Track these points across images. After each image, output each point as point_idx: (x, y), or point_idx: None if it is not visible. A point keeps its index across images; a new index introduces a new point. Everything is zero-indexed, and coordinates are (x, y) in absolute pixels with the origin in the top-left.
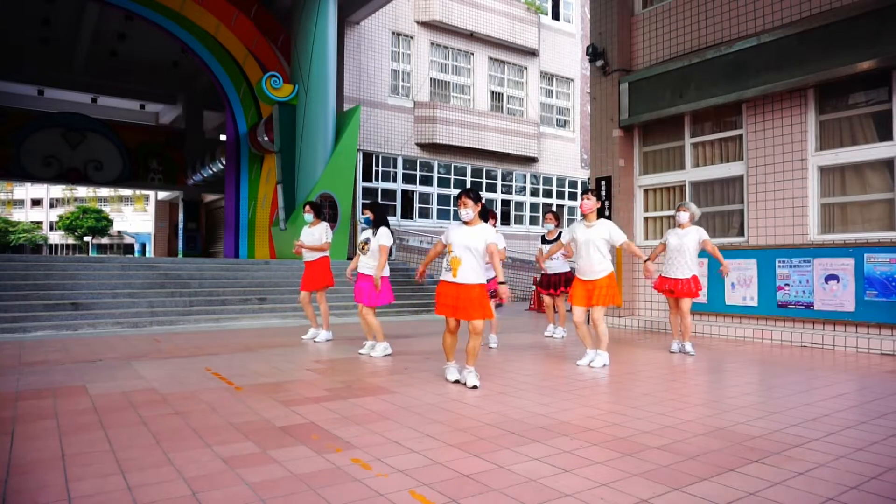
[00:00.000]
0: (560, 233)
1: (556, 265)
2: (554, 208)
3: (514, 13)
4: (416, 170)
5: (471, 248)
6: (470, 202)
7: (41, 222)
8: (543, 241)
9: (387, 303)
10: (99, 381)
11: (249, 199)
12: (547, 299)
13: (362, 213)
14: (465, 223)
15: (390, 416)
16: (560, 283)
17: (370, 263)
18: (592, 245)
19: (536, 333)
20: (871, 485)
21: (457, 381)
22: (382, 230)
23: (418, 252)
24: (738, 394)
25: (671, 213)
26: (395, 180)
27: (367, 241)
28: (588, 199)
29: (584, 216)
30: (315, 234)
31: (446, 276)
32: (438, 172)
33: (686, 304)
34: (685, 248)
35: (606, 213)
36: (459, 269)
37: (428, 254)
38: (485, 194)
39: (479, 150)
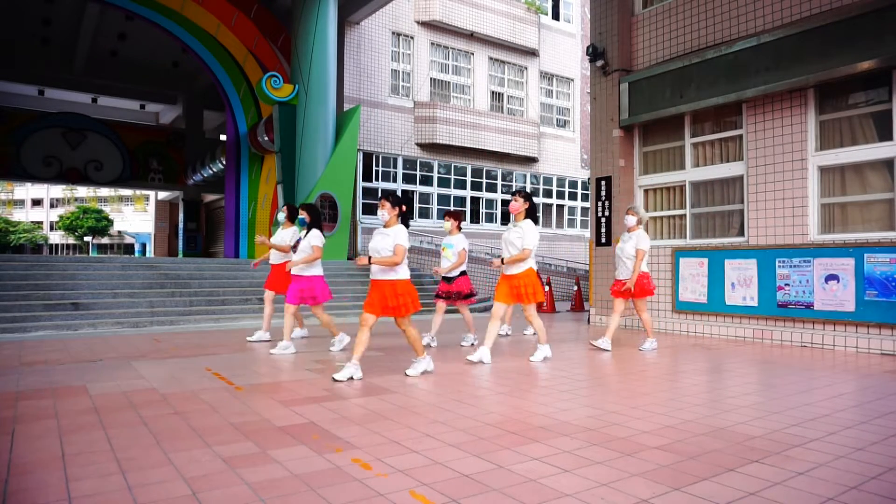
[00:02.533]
0: None
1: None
2: (554, 208)
3: (514, 13)
4: (416, 170)
5: (378, 250)
6: (388, 205)
7: (41, 222)
8: None
9: (325, 300)
10: (99, 381)
11: (249, 199)
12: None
13: (299, 214)
14: (384, 225)
15: (390, 416)
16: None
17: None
18: (508, 243)
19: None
20: (871, 485)
21: (350, 379)
22: (314, 231)
23: (418, 252)
24: (738, 394)
25: (672, 213)
26: (395, 180)
27: (299, 241)
28: (516, 200)
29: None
30: (283, 236)
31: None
32: (438, 172)
33: (639, 304)
34: (623, 254)
35: (606, 214)
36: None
37: None
38: (485, 194)
39: (479, 150)
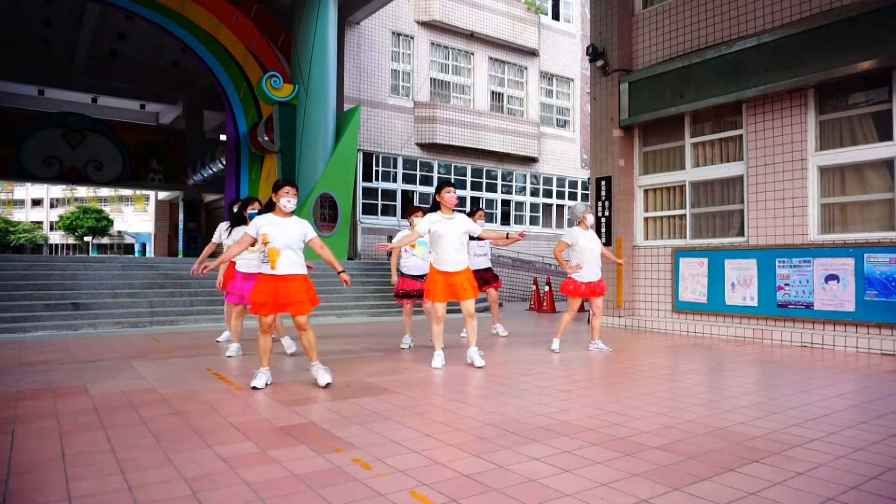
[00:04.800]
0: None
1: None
2: (554, 208)
3: (514, 13)
4: (416, 170)
5: (290, 244)
6: (294, 191)
7: (41, 222)
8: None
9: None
10: (99, 380)
11: None
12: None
13: (251, 209)
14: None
15: (390, 416)
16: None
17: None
18: (451, 238)
19: (536, 334)
20: (871, 485)
21: (256, 388)
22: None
23: None
24: (738, 394)
25: (672, 212)
26: (395, 180)
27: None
28: (454, 192)
29: (445, 210)
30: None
31: (264, 269)
32: (438, 172)
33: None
34: (597, 250)
35: (606, 214)
36: (278, 261)
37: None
38: (485, 194)
39: (479, 150)
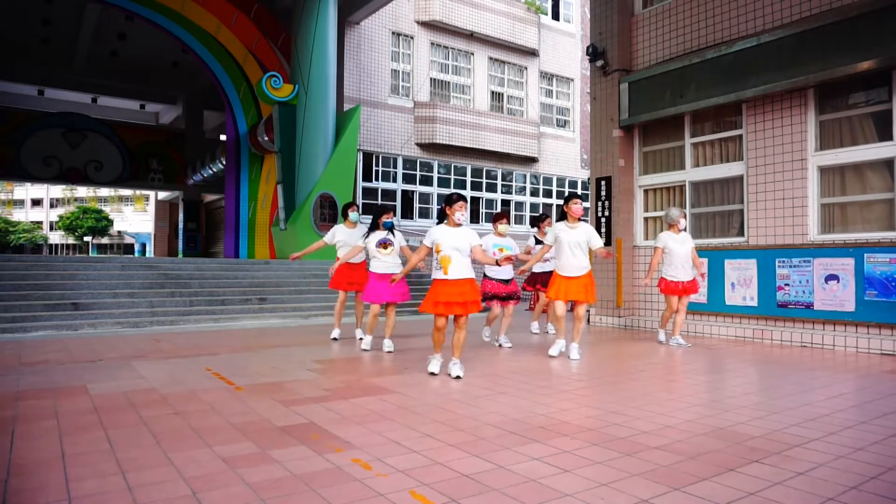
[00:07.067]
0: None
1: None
2: (554, 208)
3: (514, 13)
4: (416, 170)
5: (460, 249)
6: (466, 205)
7: (41, 222)
8: (537, 241)
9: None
10: (99, 381)
11: (249, 199)
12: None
13: (387, 217)
14: (457, 225)
15: (390, 416)
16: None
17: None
18: (571, 244)
19: (538, 334)
20: (871, 485)
21: (433, 374)
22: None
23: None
24: (738, 394)
25: None
26: (395, 180)
27: (385, 241)
28: (580, 203)
29: (571, 219)
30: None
31: (438, 274)
32: (438, 172)
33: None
34: (688, 252)
35: (606, 214)
36: (451, 266)
37: (412, 258)
38: (485, 194)
39: (479, 150)
